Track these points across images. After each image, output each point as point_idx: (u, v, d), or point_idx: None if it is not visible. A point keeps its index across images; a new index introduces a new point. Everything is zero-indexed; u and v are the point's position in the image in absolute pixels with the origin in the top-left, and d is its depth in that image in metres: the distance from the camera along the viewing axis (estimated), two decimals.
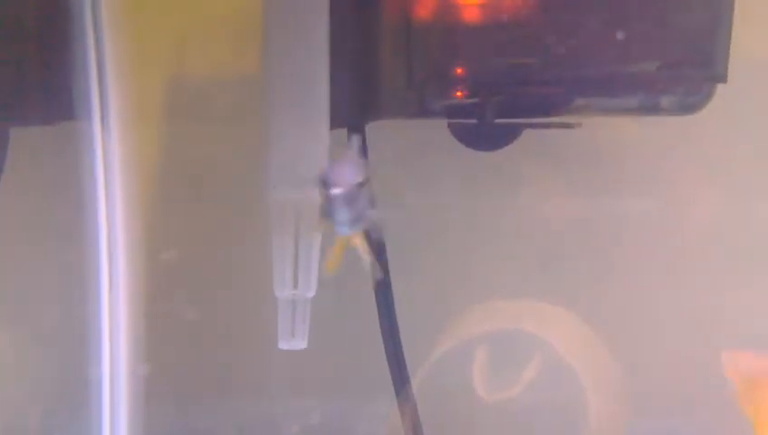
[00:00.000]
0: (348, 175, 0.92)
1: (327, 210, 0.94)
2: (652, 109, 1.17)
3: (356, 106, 1.16)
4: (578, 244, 1.37)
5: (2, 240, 1.33)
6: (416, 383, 1.25)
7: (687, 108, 1.17)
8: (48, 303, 1.30)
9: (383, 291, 1.21)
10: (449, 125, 1.25)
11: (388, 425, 1.31)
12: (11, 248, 1.33)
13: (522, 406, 1.27)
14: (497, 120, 1.16)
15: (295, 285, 1.06)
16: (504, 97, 1.15)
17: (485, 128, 1.18)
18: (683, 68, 1.14)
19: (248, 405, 1.41)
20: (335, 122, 1.08)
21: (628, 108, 1.18)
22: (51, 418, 1.33)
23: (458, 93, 1.17)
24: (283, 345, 1.06)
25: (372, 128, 1.21)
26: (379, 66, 1.18)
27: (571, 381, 1.23)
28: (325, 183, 0.92)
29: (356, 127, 1.20)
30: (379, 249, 1.19)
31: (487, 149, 1.25)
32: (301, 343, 1.07)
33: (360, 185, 0.92)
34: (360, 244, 0.99)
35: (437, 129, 1.25)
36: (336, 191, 0.91)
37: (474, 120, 1.17)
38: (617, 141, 1.33)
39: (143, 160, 1.16)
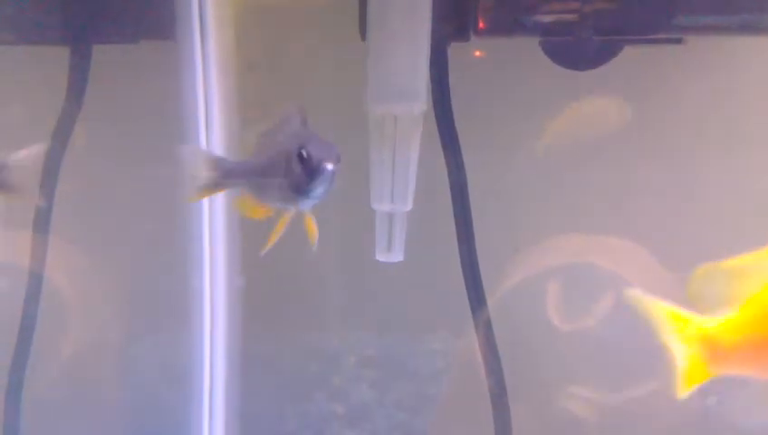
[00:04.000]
0: (328, 151, 0.90)
1: (304, 189, 0.90)
2: (758, 28, 1.14)
3: (442, 24, 1.13)
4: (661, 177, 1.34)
5: (98, 161, 1.34)
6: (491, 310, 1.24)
7: None
8: (149, 219, 1.32)
9: (463, 215, 1.20)
10: (542, 43, 1.21)
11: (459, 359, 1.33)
12: (112, 169, 1.35)
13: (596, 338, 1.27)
14: (596, 38, 1.14)
15: (393, 199, 1.07)
16: (603, 13, 1.13)
17: (582, 46, 1.16)
18: None
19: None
20: None
21: (732, 26, 1.15)
22: (155, 325, 1.37)
23: (555, 8, 1.15)
24: (381, 258, 1.08)
25: (458, 48, 1.20)
26: None
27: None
28: (314, 161, 0.89)
29: (440, 45, 1.18)
30: (459, 179, 1.18)
31: (582, 68, 1.22)
32: (397, 256, 1.08)
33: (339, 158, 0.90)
34: (311, 220, 0.96)
35: (529, 47, 1.22)
36: (330, 167, 0.89)
37: (570, 38, 1.15)
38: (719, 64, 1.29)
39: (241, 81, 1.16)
